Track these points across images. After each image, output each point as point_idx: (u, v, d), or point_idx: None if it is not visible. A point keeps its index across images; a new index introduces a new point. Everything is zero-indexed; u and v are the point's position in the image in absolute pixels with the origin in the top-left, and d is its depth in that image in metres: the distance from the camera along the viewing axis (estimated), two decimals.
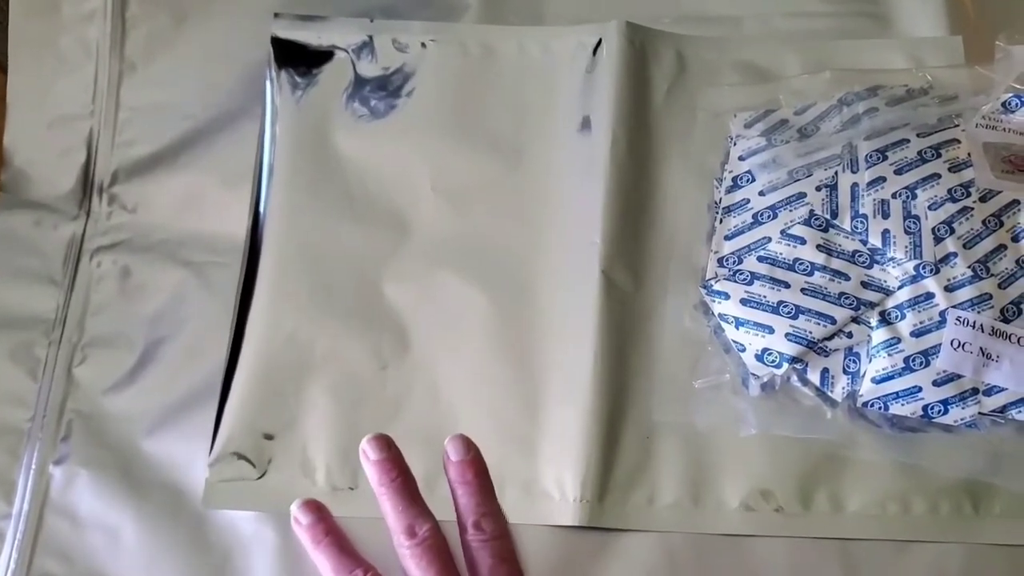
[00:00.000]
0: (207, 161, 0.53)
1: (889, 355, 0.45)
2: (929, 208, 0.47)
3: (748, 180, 0.50)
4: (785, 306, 0.46)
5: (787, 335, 0.46)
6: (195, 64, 0.55)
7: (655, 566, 0.44)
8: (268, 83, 0.53)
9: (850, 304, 0.46)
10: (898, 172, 0.48)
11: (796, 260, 0.47)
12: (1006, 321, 0.45)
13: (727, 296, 0.47)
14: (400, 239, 0.50)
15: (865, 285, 0.46)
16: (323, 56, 0.54)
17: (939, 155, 0.49)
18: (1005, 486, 0.45)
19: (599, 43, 0.53)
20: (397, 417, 0.47)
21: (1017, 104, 0.51)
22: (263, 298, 0.49)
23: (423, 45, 0.54)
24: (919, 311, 0.45)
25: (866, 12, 0.55)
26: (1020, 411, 0.45)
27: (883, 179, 0.48)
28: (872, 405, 0.45)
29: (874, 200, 0.48)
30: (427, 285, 0.50)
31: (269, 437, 0.47)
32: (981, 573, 0.44)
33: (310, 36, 0.54)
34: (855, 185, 0.48)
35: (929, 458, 0.45)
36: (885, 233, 0.47)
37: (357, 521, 0.41)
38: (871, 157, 0.49)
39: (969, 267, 0.46)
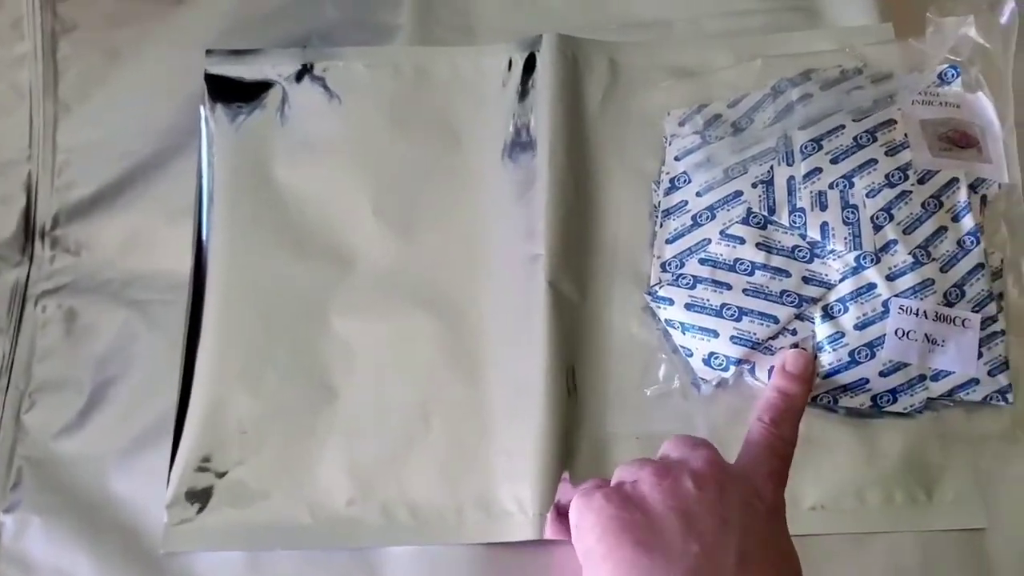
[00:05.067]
0: (148, 199, 0.53)
1: (834, 350, 0.45)
2: (867, 196, 0.47)
3: (685, 181, 0.50)
4: (728, 308, 0.46)
5: (732, 338, 0.45)
6: (131, 102, 0.54)
7: None
8: (203, 119, 0.53)
9: (792, 302, 0.46)
10: (834, 161, 0.48)
11: (737, 260, 0.47)
12: (950, 305, 0.45)
13: (671, 302, 0.47)
14: (344, 267, 0.50)
15: (806, 280, 0.46)
16: (259, 88, 0.54)
17: (875, 139, 0.48)
18: (957, 467, 0.45)
19: (531, 57, 0.53)
20: (349, 445, 0.47)
21: (953, 75, 0.51)
22: (210, 335, 0.49)
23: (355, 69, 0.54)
24: (862, 303, 0.45)
25: (796, 7, 0.55)
26: (968, 393, 0.45)
27: (819, 170, 0.48)
28: (821, 400, 0.45)
29: (811, 192, 0.47)
30: (373, 311, 0.49)
31: (221, 475, 0.46)
32: (937, 560, 0.43)
33: (242, 70, 0.54)
34: (791, 178, 0.48)
35: (882, 444, 0.45)
36: (824, 226, 0.47)
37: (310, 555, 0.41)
38: (806, 148, 0.48)
39: (910, 253, 0.46)
